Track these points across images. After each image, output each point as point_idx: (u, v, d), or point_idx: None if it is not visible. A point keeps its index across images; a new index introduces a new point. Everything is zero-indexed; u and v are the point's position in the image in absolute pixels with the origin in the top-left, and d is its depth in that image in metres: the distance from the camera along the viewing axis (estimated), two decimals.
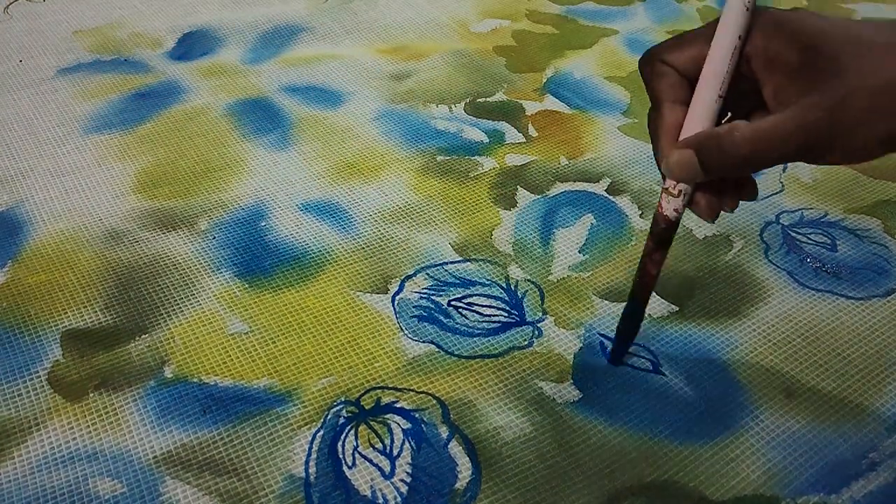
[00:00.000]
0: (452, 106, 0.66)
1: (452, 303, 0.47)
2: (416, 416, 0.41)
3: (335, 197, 0.56)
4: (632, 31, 0.78)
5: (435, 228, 0.53)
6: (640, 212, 0.55)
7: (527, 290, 0.48)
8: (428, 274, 0.50)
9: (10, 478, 0.38)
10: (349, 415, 0.41)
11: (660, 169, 0.36)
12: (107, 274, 0.49)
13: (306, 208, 0.55)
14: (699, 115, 0.34)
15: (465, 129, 0.63)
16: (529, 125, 0.64)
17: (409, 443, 0.40)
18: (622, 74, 0.71)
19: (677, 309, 0.48)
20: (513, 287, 0.49)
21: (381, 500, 0.37)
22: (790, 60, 0.32)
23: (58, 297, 0.47)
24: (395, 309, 0.47)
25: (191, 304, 0.47)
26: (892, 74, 0.29)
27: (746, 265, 0.51)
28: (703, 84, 0.34)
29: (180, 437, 0.40)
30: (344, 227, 0.53)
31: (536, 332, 0.46)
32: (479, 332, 0.46)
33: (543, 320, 0.47)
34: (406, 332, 0.46)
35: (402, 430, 0.40)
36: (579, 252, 0.52)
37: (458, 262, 0.50)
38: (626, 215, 0.55)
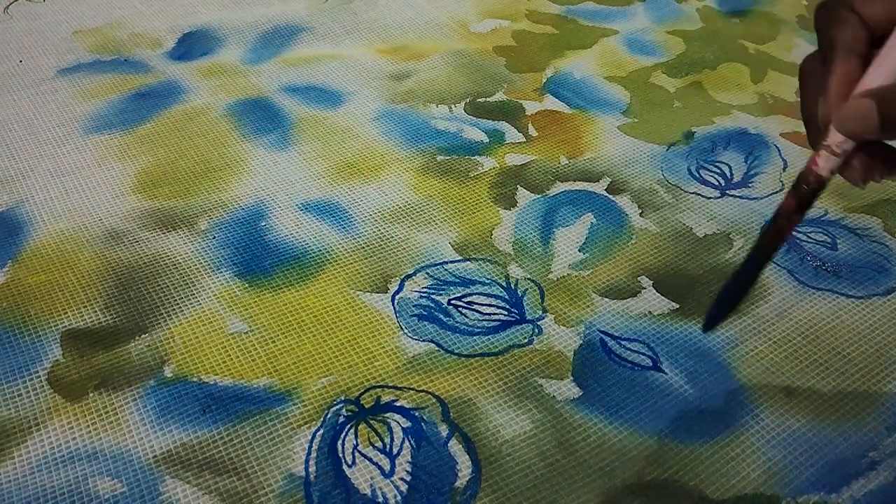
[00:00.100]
0: (452, 106, 0.66)
1: (452, 302, 0.47)
2: (416, 414, 0.41)
3: (335, 197, 0.56)
4: (632, 31, 0.78)
5: (435, 228, 0.53)
6: (640, 211, 0.55)
7: (527, 289, 0.48)
8: (428, 273, 0.50)
9: (10, 478, 0.38)
10: (349, 413, 0.41)
11: (806, 125, 0.34)
12: (107, 274, 0.49)
13: (306, 208, 0.55)
14: (887, 68, 0.31)
15: (465, 129, 0.63)
16: (529, 125, 0.64)
17: (409, 441, 0.40)
18: (622, 74, 0.71)
19: (678, 306, 0.48)
20: (513, 286, 0.49)
21: (381, 499, 0.37)
22: None
23: (58, 297, 0.47)
24: (394, 308, 0.47)
25: (191, 303, 0.47)
26: None
27: None
28: None
29: (180, 437, 0.40)
30: (344, 227, 0.53)
31: (536, 330, 0.46)
32: (478, 330, 0.46)
33: (543, 318, 0.47)
34: (406, 330, 0.46)
35: (402, 428, 0.40)
36: (579, 251, 0.52)
37: (458, 261, 0.50)
38: (626, 214, 0.55)
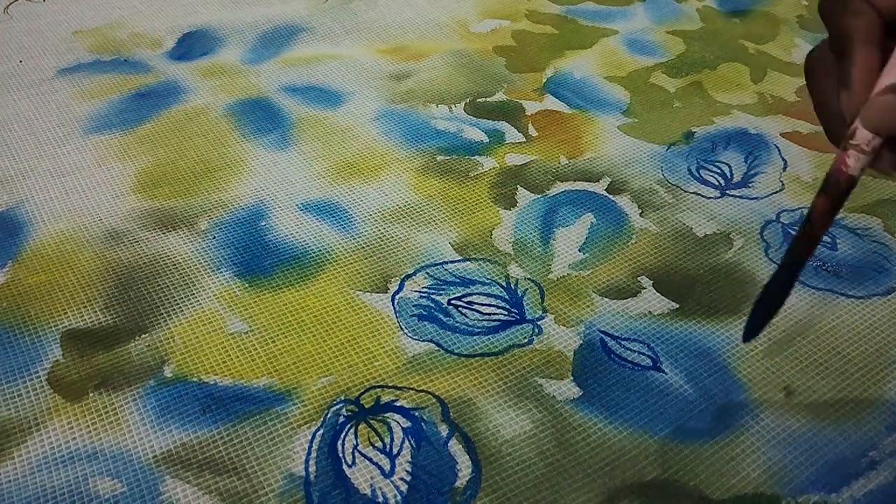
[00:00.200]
0: (452, 106, 0.66)
1: (452, 301, 0.47)
2: (416, 414, 0.41)
3: (335, 197, 0.56)
4: (632, 31, 0.78)
5: (435, 228, 0.53)
6: (640, 210, 0.55)
7: (527, 289, 0.48)
8: (428, 273, 0.50)
9: (10, 478, 0.38)
10: (349, 413, 0.41)
11: (821, 119, 0.33)
12: (107, 274, 0.49)
13: (306, 208, 0.55)
14: None
15: (465, 129, 0.63)
16: (529, 125, 0.64)
17: (409, 441, 0.40)
18: (622, 74, 0.71)
19: (678, 306, 0.48)
20: (513, 286, 0.49)
21: (380, 499, 0.37)
22: None
23: (58, 297, 0.47)
24: (394, 308, 0.47)
25: (191, 303, 0.47)
26: None
27: (747, 263, 0.51)
28: None
29: (180, 437, 0.40)
30: (344, 227, 0.53)
31: (536, 330, 0.46)
32: (478, 330, 0.46)
33: (543, 318, 0.47)
34: (406, 330, 0.46)
35: (402, 428, 0.40)
36: (579, 251, 0.52)
37: (458, 261, 0.50)
38: (626, 214, 0.55)
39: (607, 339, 0.45)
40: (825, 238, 0.53)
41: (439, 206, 0.55)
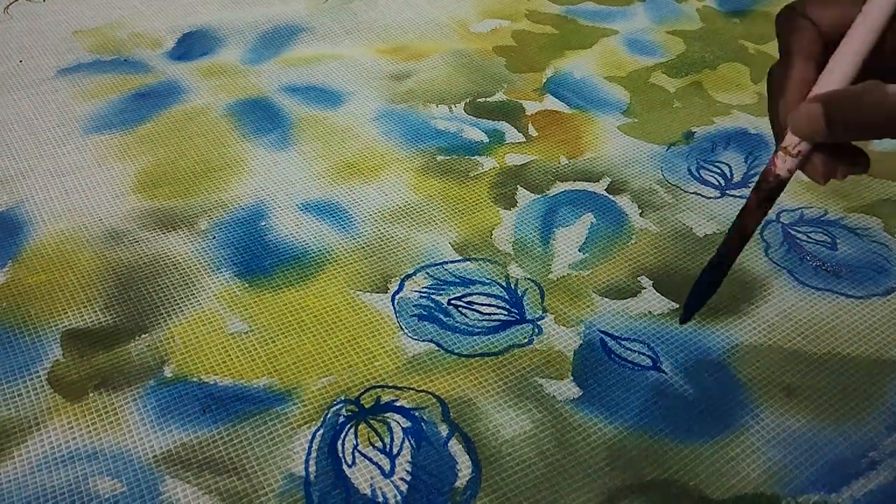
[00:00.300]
0: (452, 106, 0.66)
1: (452, 301, 0.47)
2: (416, 414, 0.41)
3: (335, 197, 0.56)
4: (632, 32, 0.78)
5: (435, 228, 0.53)
6: (640, 210, 0.55)
7: (527, 289, 0.49)
8: (428, 273, 0.50)
9: (10, 478, 0.38)
10: (349, 413, 0.41)
11: (773, 127, 0.36)
12: (107, 274, 0.49)
13: (306, 208, 0.55)
14: (836, 76, 0.33)
15: (465, 129, 0.63)
16: (529, 125, 0.64)
17: (409, 441, 0.40)
18: (622, 74, 0.71)
19: (678, 306, 0.48)
20: (513, 286, 0.49)
21: (381, 499, 0.37)
22: None
23: (58, 297, 0.47)
24: (394, 308, 0.47)
25: (191, 303, 0.47)
26: None
27: (746, 263, 0.51)
28: (848, 45, 0.33)
29: (180, 437, 0.40)
30: (344, 227, 0.53)
31: (536, 330, 0.46)
32: (478, 330, 0.46)
33: (543, 318, 0.47)
34: (406, 330, 0.46)
35: (402, 428, 0.40)
36: (579, 251, 0.52)
37: (458, 261, 0.50)
38: (626, 214, 0.55)
39: (607, 339, 0.45)
40: (825, 238, 0.53)
41: (439, 206, 0.55)
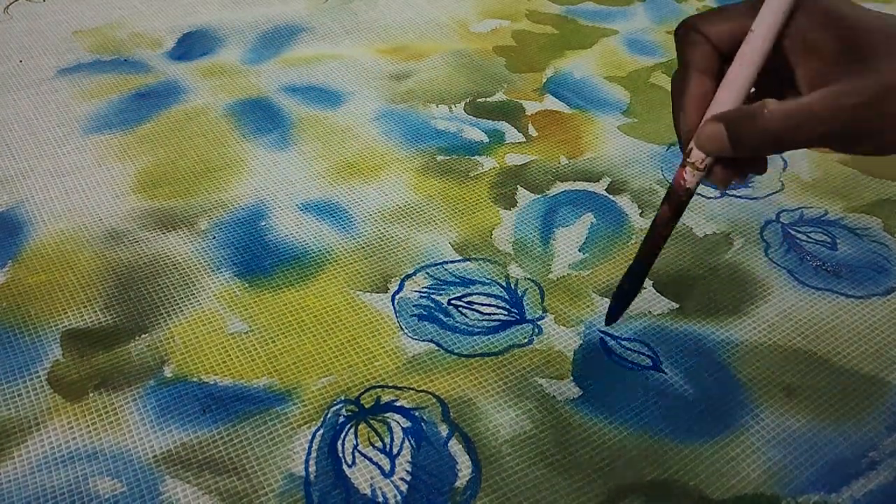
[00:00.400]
0: (452, 106, 0.66)
1: (452, 301, 0.47)
2: (416, 414, 0.41)
3: (335, 197, 0.56)
4: (632, 31, 0.78)
5: (435, 228, 0.53)
6: (640, 211, 0.55)
7: (527, 289, 0.49)
8: (428, 273, 0.50)
9: (10, 478, 0.38)
10: (349, 413, 0.41)
11: (678, 134, 0.36)
12: (107, 274, 0.49)
13: (306, 208, 0.55)
14: (732, 91, 0.34)
15: (465, 129, 0.63)
16: (529, 125, 0.64)
17: (409, 441, 0.40)
18: (622, 74, 0.71)
19: (677, 306, 0.48)
20: (513, 286, 0.49)
21: (381, 499, 0.37)
22: (831, 46, 0.31)
23: (58, 297, 0.47)
24: (394, 308, 0.47)
25: (191, 303, 0.47)
26: None
27: (746, 263, 0.51)
28: (741, 60, 0.34)
29: (180, 437, 0.40)
30: (344, 227, 0.53)
31: (536, 330, 0.46)
32: (478, 330, 0.46)
33: (543, 318, 0.47)
34: (406, 330, 0.46)
35: (402, 428, 0.40)
36: (579, 251, 0.52)
37: (458, 261, 0.50)
38: (626, 214, 0.55)
39: (607, 339, 0.45)
40: (825, 238, 0.53)
41: (439, 206, 0.55)
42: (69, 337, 0.45)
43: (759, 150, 0.34)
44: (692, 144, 0.35)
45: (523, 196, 0.56)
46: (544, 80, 0.70)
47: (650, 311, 0.47)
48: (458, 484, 0.38)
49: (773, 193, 0.57)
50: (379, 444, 0.40)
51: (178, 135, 0.62)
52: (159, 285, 0.48)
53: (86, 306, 0.47)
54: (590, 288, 0.49)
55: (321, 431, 0.40)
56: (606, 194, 0.57)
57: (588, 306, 0.48)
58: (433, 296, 0.48)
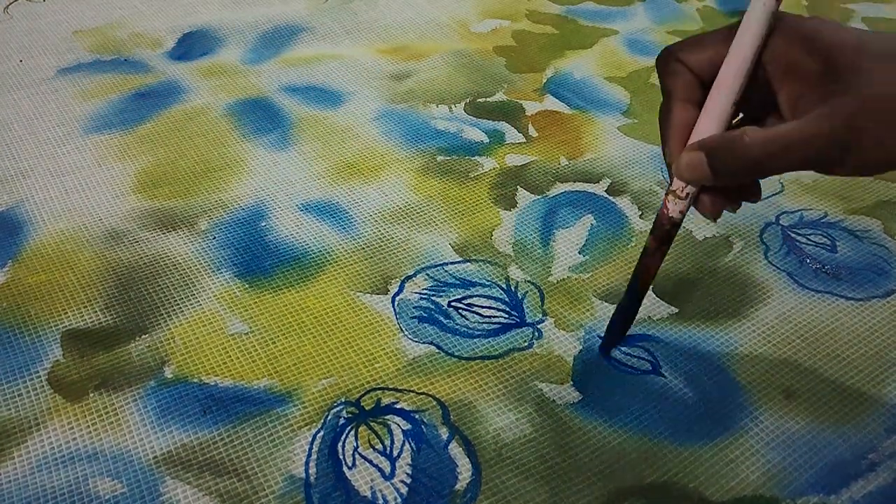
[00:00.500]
0: (452, 106, 0.66)
1: (452, 304, 0.47)
2: (417, 417, 0.41)
3: (335, 197, 0.56)
4: (632, 32, 0.78)
5: (435, 229, 0.53)
6: (640, 212, 0.55)
7: (527, 292, 0.49)
8: (428, 274, 0.50)
9: (10, 478, 0.38)
10: (349, 415, 0.41)
11: (667, 163, 0.36)
12: (107, 274, 0.49)
13: (306, 208, 0.55)
14: (712, 118, 0.34)
15: (465, 129, 0.63)
16: (529, 125, 0.64)
17: (410, 444, 0.40)
18: (622, 75, 0.71)
19: (677, 310, 0.48)
20: (513, 288, 0.49)
21: (381, 501, 0.37)
22: (809, 69, 0.32)
23: (58, 297, 0.47)
24: (395, 310, 0.47)
25: (191, 304, 0.47)
26: None
27: (746, 266, 0.51)
28: (719, 87, 0.34)
29: (180, 438, 0.40)
30: (344, 228, 0.53)
31: (536, 334, 0.46)
32: (479, 333, 0.46)
33: (543, 322, 0.47)
34: (406, 332, 0.46)
35: (403, 431, 0.40)
36: (579, 253, 0.52)
37: (458, 262, 0.51)
38: (626, 216, 0.55)
39: None
40: (825, 240, 0.53)
41: (439, 207, 0.55)
42: (69, 337, 0.45)
43: (739, 177, 0.34)
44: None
45: (523, 197, 0.56)
46: (544, 81, 0.70)
47: (650, 316, 0.47)
48: (458, 487, 0.38)
49: (773, 196, 0.57)
50: (379, 446, 0.40)
51: (178, 135, 0.62)
52: (159, 285, 0.48)
53: (86, 306, 0.47)
54: (589, 291, 0.49)
55: (321, 433, 0.40)
56: (607, 195, 0.57)
57: (588, 310, 0.48)
58: (433, 297, 0.48)
